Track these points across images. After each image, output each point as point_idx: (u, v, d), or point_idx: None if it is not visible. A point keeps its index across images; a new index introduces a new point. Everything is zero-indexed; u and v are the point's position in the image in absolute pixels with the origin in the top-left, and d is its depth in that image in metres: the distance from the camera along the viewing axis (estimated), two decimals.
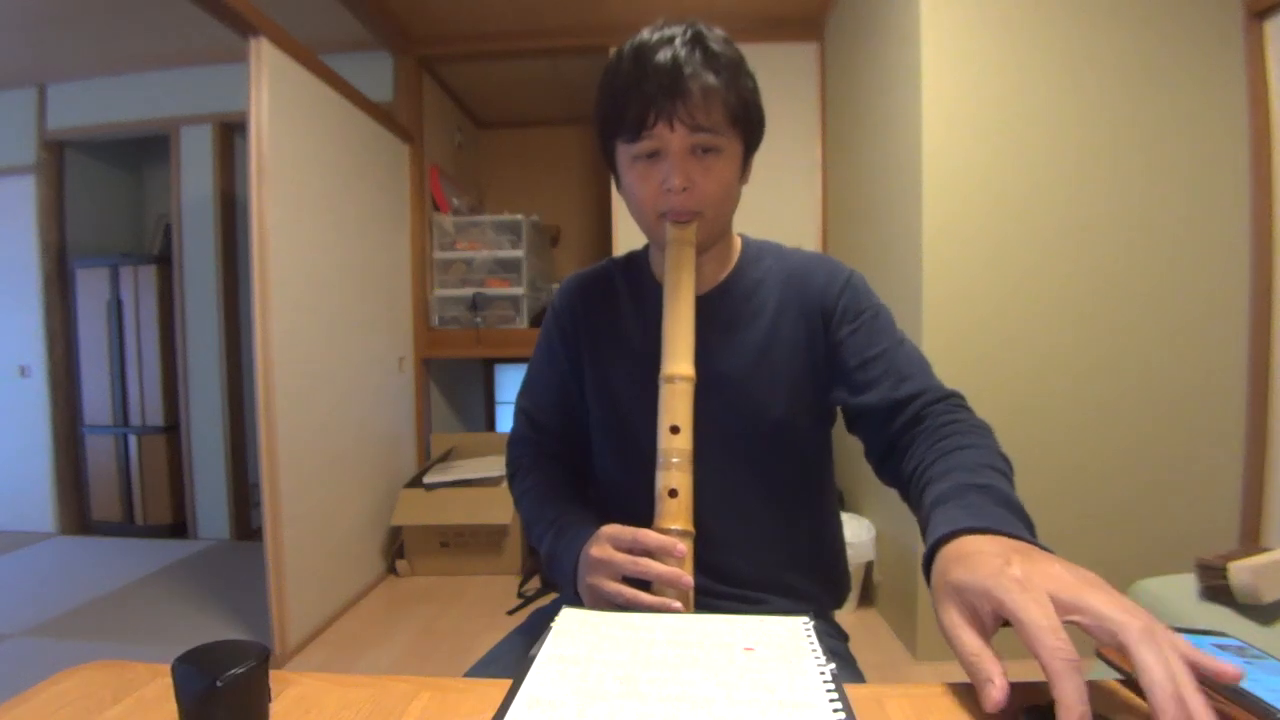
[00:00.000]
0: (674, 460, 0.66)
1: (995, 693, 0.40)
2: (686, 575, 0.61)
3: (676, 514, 0.64)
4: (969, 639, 0.43)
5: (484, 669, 0.71)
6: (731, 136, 0.69)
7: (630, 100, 0.67)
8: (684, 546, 0.62)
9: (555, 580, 0.74)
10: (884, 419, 0.71)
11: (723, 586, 0.74)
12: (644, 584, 0.64)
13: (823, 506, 0.82)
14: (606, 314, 0.82)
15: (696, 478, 0.67)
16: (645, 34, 0.69)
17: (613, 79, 0.69)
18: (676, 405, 0.67)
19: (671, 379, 0.68)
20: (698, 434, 0.68)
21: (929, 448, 0.65)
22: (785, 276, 0.79)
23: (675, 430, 0.66)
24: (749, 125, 0.71)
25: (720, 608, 0.73)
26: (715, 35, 0.69)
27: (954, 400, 0.70)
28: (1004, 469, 0.60)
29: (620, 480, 0.82)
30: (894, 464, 0.70)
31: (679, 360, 0.68)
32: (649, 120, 0.66)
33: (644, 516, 0.71)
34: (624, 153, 0.71)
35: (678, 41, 0.66)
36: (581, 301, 0.84)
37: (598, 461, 0.85)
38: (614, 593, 0.62)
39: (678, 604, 0.61)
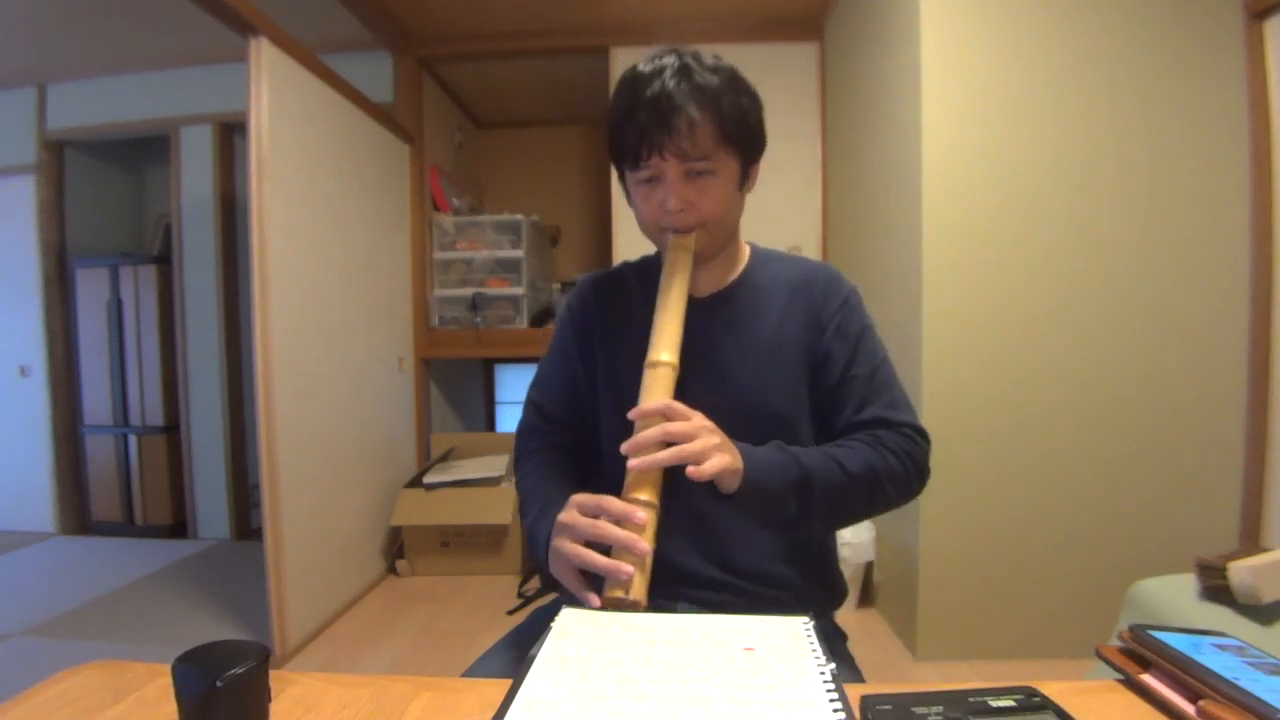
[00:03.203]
0: None
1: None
2: (643, 542, 0.63)
3: (643, 485, 0.67)
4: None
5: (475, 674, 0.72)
6: (724, 156, 0.74)
7: (627, 132, 0.72)
8: (644, 515, 0.64)
9: (534, 555, 0.76)
10: (838, 434, 0.79)
11: (724, 575, 0.77)
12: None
13: None
14: (620, 313, 0.86)
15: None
16: (640, 64, 0.74)
17: (614, 110, 0.75)
18: (656, 388, 0.70)
19: (655, 365, 0.72)
20: None
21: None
22: (792, 282, 0.83)
23: None
24: (742, 142, 0.75)
25: (721, 593, 0.76)
26: (704, 64, 0.73)
27: (901, 430, 0.77)
28: (847, 456, 0.72)
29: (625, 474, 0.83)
30: None
31: (664, 348, 0.72)
32: (643, 153, 0.72)
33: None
34: (629, 175, 0.78)
35: (666, 74, 0.71)
36: (596, 301, 0.88)
37: (606, 455, 0.87)
38: (571, 553, 0.65)
39: (629, 568, 0.62)
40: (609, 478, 0.85)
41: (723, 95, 0.72)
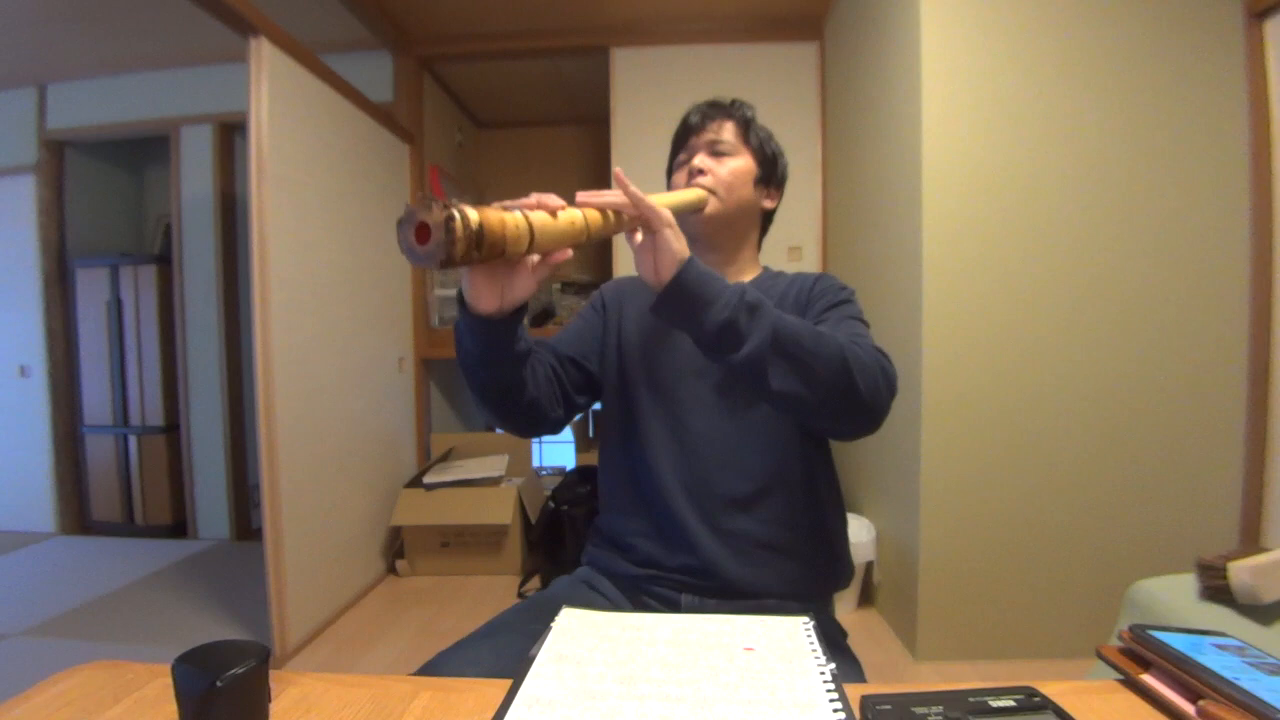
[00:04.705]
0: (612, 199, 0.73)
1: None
2: (551, 200, 0.67)
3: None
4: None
5: (471, 647, 0.76)
6: (740, 149, 0.95)
7: (679, 136, 1.00)
8: (563, 203, 0.68)
9: (461, 336, 0.77)
10: None
11: (729, 547, 0.83)
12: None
13: (820, 471, 0.91)
14: (640, 303, 0.96)
15: (707, 436, 0.86)
16: (692, 105, 1.01)
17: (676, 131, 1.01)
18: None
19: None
20: (713, 398, 0.87)
21: None
22: (791, 281, 0.97)
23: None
24: (760, 152, 0.96)
25: (732, 563, 0.82)
26: (746, 104, 0.99)
27: (874, 352, 0.76)
28: (801, 323, 0.71)
29: (622, 454, 0.93)
30: None
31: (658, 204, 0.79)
32: (688, 141, 0.97)
33: (641, 494, 0.89)
34: (676, 165, 0.99)
35: (704, 104, 0.99)
36: (624, 290, 1.02)
37: (604, 445, 0.98)
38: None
39: (550, 203, 0.65)
40: (609, 457, 0.97)
41: (751, 121, 0.97)
